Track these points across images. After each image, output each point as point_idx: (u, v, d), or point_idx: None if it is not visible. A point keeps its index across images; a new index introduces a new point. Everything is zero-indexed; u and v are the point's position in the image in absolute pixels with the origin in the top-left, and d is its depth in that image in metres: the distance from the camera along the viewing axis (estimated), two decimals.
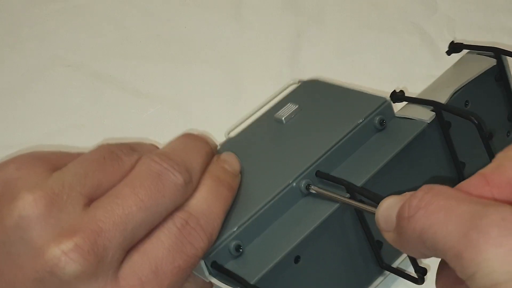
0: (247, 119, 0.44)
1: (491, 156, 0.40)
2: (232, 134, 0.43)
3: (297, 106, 0.42)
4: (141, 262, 0.32)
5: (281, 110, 0.42)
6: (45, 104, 0.54)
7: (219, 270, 0.35)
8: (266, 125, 0.42)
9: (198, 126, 0.51)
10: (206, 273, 0.35)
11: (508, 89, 0.45)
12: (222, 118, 0.49)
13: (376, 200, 0.36)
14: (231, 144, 0.42)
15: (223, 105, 0.53)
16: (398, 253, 0.40)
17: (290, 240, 0.36)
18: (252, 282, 0.34)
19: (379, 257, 0.40)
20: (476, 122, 0.39)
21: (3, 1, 0.60)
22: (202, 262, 0.35)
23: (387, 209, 0.29)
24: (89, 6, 0.60)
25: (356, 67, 0.56)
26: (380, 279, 0.40)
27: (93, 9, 0.59)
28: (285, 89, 0.45)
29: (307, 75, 0.46)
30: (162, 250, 0.33)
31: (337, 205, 0.37)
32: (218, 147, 0.42)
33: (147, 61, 0.56)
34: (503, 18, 0.59)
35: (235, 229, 0.35)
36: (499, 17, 0.59)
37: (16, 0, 0.60)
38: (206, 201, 0.35)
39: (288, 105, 0.42)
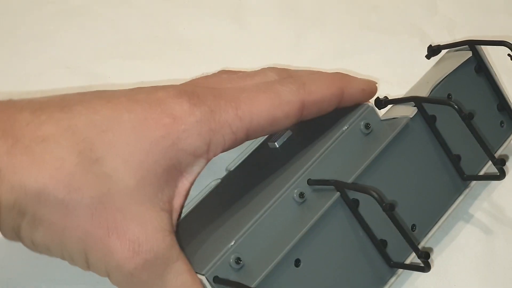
0: (244, 151, 0.45)
1: (476, 136, 0.41)
2: (232, 167, 0.44)
3: (288, 130, 0.43)
4: None
5: (274, 137, 0.43)
6: None
7: (222, 283, 0.35)
8: (262, 154, 0.44)
9: None
10: None
11: (491, 78, 0.45)
12: None
13: (364, 191, 0.36)
14: (231, 176, 0.43)
15: None
16: (408, 250, 0.40)
17: (286, 243, 0.37)
18: (252, 286, 0.35)
19: (386, 256, 0.40)
20: (456, 106, 0.39)
21: (2, 2, 0.59)
22: (204, 279, 0.35)
23: None
24: (88, 7, 0.59)
25: (356, 69, 0.56)
26: (392, 279, 0.40)
27: (91, 10, 0.59)
28: None
29: None
30: None
31: (329, 205, 0.38)
32: (219, 181, 0.43)
33: (146, 62, 0.56)
34: (503, 19, 0.59)
35: (232, 243, 0.36)
36: (499, 18, 0.59)
37: (14, 2, 0.59)
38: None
39: (280, 131, 0.43)
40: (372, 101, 0.43)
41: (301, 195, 0.38)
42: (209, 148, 0.37)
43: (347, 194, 0.38)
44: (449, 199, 0.43)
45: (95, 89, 0.55)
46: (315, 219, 0.38)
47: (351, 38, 0.58)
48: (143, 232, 0.34)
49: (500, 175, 0.41)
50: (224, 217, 0.40)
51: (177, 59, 0.57)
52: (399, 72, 0.56)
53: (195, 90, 0.38)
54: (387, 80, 0.55)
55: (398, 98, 0.43)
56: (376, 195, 0.36)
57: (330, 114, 0.42)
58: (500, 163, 0.40)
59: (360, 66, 0.56)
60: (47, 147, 0.33)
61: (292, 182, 0.38)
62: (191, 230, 0.40)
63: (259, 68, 0.43)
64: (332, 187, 0.38)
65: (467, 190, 0.44)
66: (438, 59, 0.47)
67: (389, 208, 0.36)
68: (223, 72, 0.42)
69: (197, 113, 0.36)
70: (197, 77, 0.42)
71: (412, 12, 0.60)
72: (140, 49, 0.57)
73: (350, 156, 0.40)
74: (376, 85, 0.43)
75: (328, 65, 0.55)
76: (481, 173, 0.44)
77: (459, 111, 0.39)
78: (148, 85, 0.54)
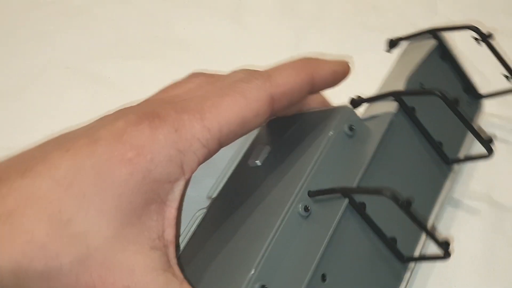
0: (221, 174, 0.43)
1: (464, 121, 0.41)
2: (213, 194, 0.42)
3: (266, 146, 0.42)
4: None
5: (253, 155, 0.42)
6: (43, 106, 0.54)
7: None
8: (244, 174, 0.42)
9: None
10: None
11: (455, 63, 0.47)
12: None
13: (376, 193, 0.36)
14: (217, 203, 0.42)
15: None
16: (415, 242, 0.40)
17: (310, 260, 0.36)
18: None
19: (398, 252, 0.40)
20: (439, 93, 0.40)
21: (2, 3, 0.60)
22: None
23: None
24: (88, 7, 0.59)
25: (355, 69, 0.55)
26: (407, 275, 0.40)
27: (91, 10, 0.59)
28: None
29: None
30: None
31: (341, 213, 0.37)
32: (205, 211, 0.41)
33: (146, 62, 0.56)
34: (503, 19, 0.59)
35: (252, 271, 0.34)
36: (499, 19, 0.59)
37: (14, 2, 0.59)
38: None
39: (257, 148, 0.42)
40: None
41: (306, 208, 0.37)
42: (183, 169, 0.35)
43: (354, 199, 0.38)
44: (439, 186, 0.44)
45: (95, 89, 0.55)
46: (332, 229, 0.37)
47: (351, 38, 0.58)
48: (131, 278, 0.33)
49: (489, 154, 0.41)
50: (226, 246, 0.38)
51: (177, 59, 0.57)
52: None
53: (155, 110, 0.35)
54: None
55: (374, 96, 0.42)
56: (390, 194, 0.35)
57: (306, 122, 0.41)
58: (489, 141, 0.41)
59: (360, 66, 0.56)
60: (14, 222, 0.32)
61: (293, 198, 0.37)
62: (193, 266, 0.38)
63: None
64: (337, 194, 0.37)
65: (452, 174, 0.44)
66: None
67: (406, 205, 0.35)
68: (193, 76, 0.40)
69: (161, 137, 0.34)
70: (165, 87, 0.40)
71: (412, 12, 0.60)
72: (140, 49, 0.57)
73: (343, 161, 0.39)
74: (349, 64, 0.41)
75: None
76: (461, 155, 0.45)
77: (445, 99, 0.39)
78: (148, 85, 0.55)
